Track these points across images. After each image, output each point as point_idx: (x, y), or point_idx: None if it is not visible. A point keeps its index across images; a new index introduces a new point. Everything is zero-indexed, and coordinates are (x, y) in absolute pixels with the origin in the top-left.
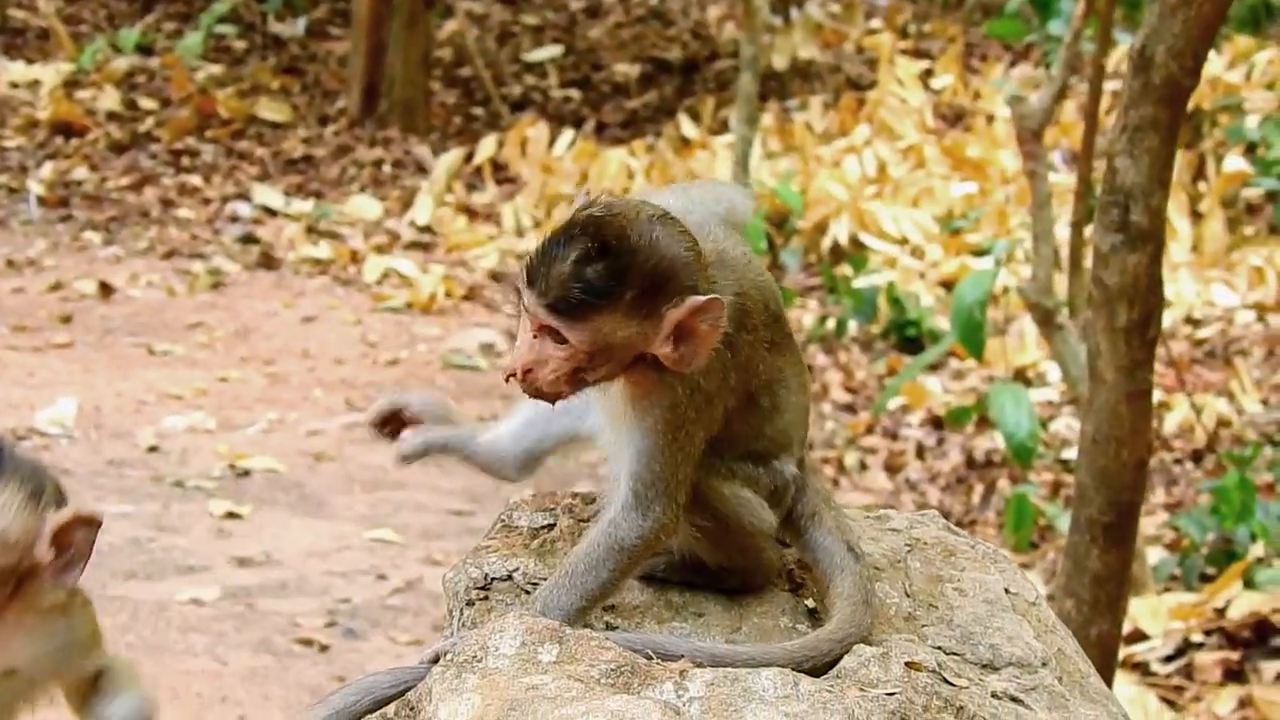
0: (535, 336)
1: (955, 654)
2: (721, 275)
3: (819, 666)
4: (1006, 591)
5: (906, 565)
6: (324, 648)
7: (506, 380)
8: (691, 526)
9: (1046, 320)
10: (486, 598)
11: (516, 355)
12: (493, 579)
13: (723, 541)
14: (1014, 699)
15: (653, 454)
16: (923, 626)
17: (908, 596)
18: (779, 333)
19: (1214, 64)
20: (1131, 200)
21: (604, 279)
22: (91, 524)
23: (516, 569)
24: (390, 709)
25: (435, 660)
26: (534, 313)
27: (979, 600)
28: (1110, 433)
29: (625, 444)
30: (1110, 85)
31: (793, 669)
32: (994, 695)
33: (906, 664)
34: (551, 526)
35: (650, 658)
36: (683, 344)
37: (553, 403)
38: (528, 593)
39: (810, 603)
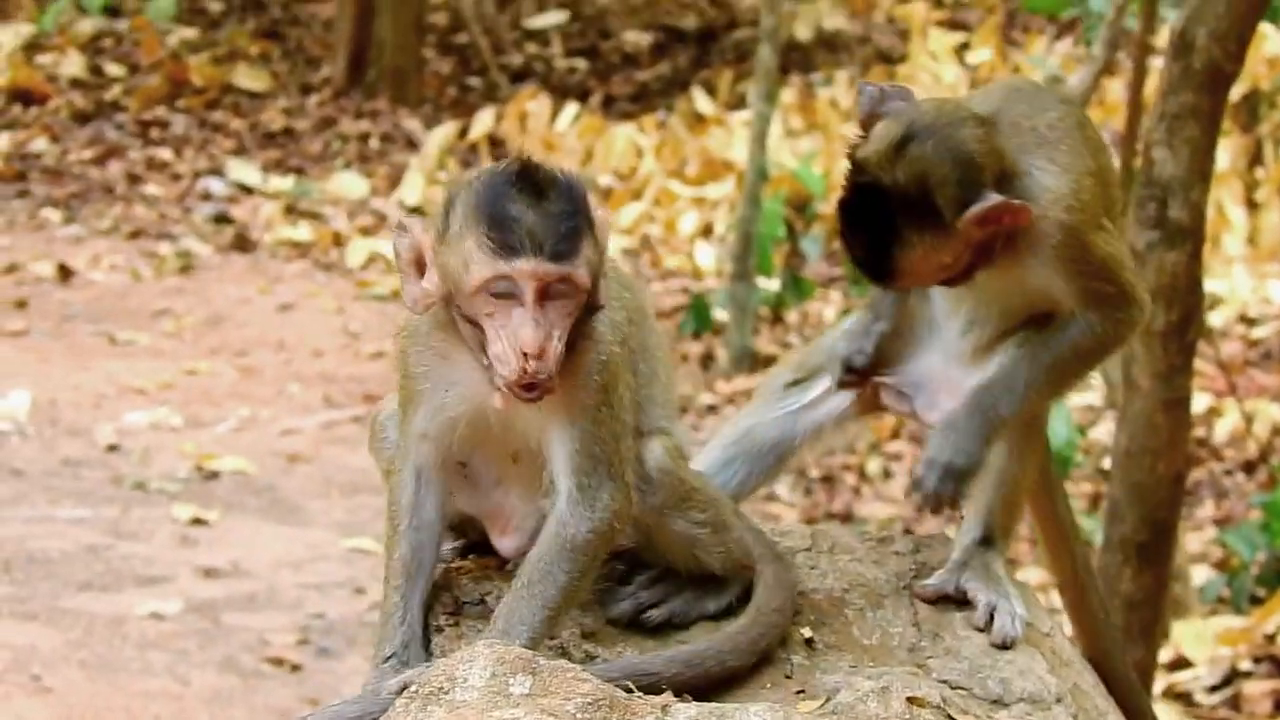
0: (538, 308)
1: (962, 689)
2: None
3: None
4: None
5: (912, 591)
6: (295, 667)
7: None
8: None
9: None
10: (457, 623)
11: (523, 341)
12: (464, 603)
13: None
14: None
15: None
16: (928, 658)
17: (913, 626)
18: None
19: (1274, 40)
20: (1170, 194)
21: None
22: None
23: (490, 593)
24: None
25: (401, 690)
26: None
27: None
28: (1145, 444)
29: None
30: (1157, 63)
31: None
32: None
33: (908, 699)
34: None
35: (630, 690)
36: None
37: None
38: None
39: (807, 631)
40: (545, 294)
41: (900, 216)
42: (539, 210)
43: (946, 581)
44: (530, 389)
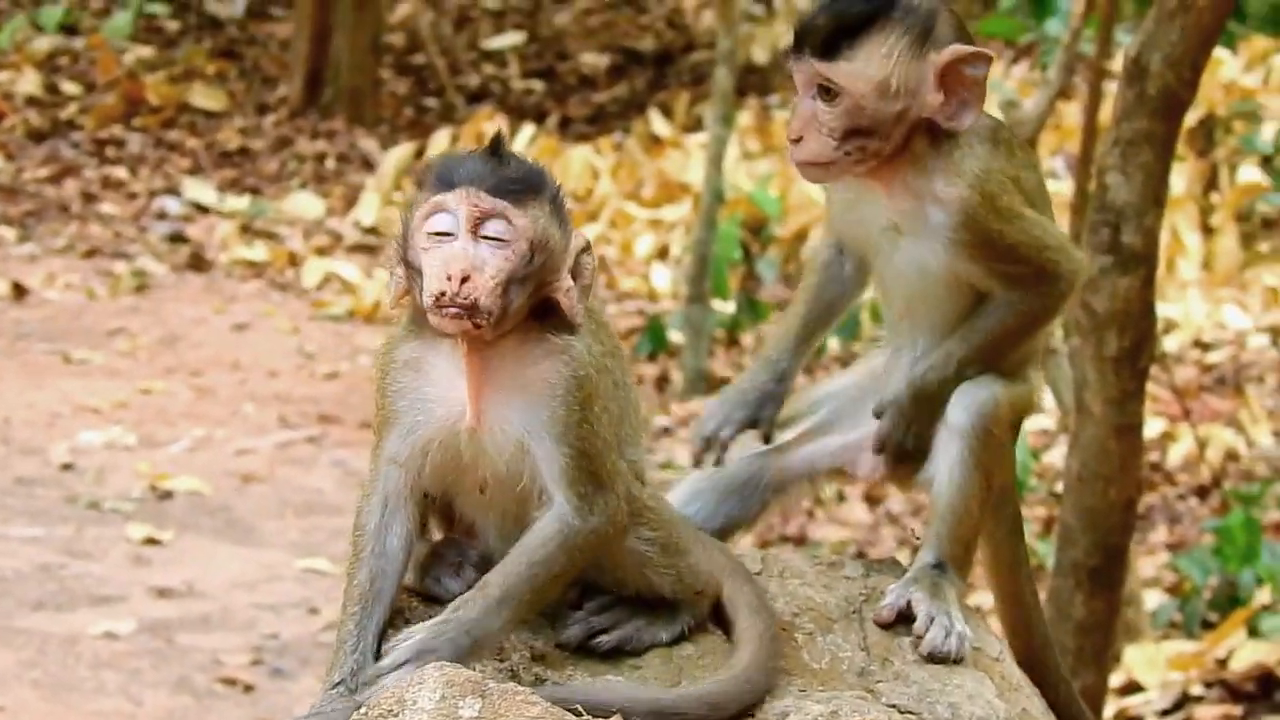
0: (470, 238)
1: (911, 713)
2: None
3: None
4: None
5: (861, 616)
6: (249, 688)
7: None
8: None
9: None
10: None
11: (447, 261)
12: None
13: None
14: None
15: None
16: (877, 683)
17: (862, 650)
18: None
19: (1229, 66)
20: (1123, 220)
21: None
22: None
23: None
24: None
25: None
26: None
27: None
28: (1098, 469)
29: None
30: (1113, 88)
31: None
32: None
33: None
34: None
35: (580, 714)
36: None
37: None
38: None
39: None
40: (479, 229)
41: (893, 13)
42: (487, 160)
43: (899, 597)
44: (456, 315)
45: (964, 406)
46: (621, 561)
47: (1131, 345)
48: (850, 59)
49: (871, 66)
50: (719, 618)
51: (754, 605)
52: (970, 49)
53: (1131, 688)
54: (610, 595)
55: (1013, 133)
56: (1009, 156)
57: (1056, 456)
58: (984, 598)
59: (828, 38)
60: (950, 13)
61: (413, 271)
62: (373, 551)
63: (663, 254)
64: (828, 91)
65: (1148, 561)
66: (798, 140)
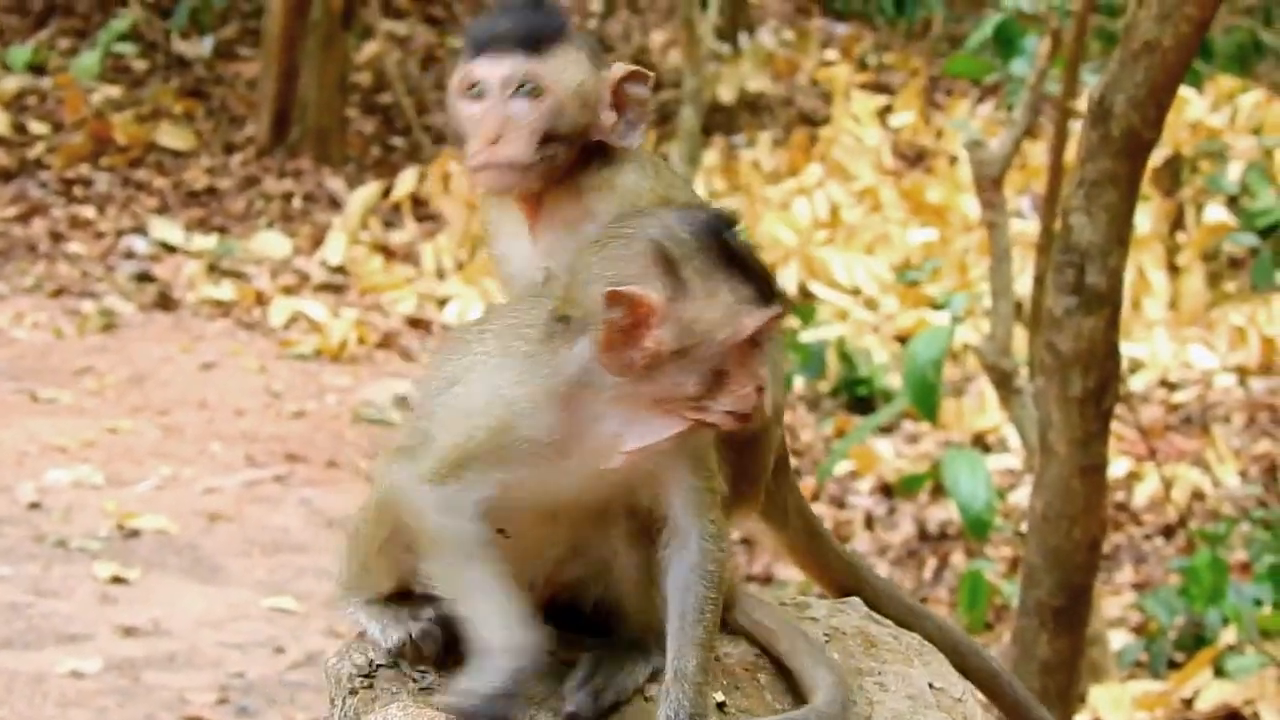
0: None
1: None
2: None
3: None
4: (931, 686)
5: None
6: None
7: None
8: None
9: (1004, 383)
10: (370, 686)
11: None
12: (378, 666)
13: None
14: None
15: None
16: None
17: None
18: None
19: (1195, 106)
20: (1088, 260)
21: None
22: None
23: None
24: None
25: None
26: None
27: (901, 696)
28: (1062, 510)
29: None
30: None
31: None
32: None
33: None
34: None
35: None
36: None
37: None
38: (415, 680)
39: (720, 695)
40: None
41: (571, 30)
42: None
43: None
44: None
45: None
46: (634, 579)
47: (1096, 386)
48: (558, 57)
49: (574, 69)
50: None
51: (817, 657)
52: (635, 67)
53: None
54: (583, 662)
55: (660, 156)
56: (657, 175)
57: (1021, 496)
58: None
59: (533, 35)
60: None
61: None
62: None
63: None
64: (533, 90)
65: (1114, 601)
66: (494, 141)
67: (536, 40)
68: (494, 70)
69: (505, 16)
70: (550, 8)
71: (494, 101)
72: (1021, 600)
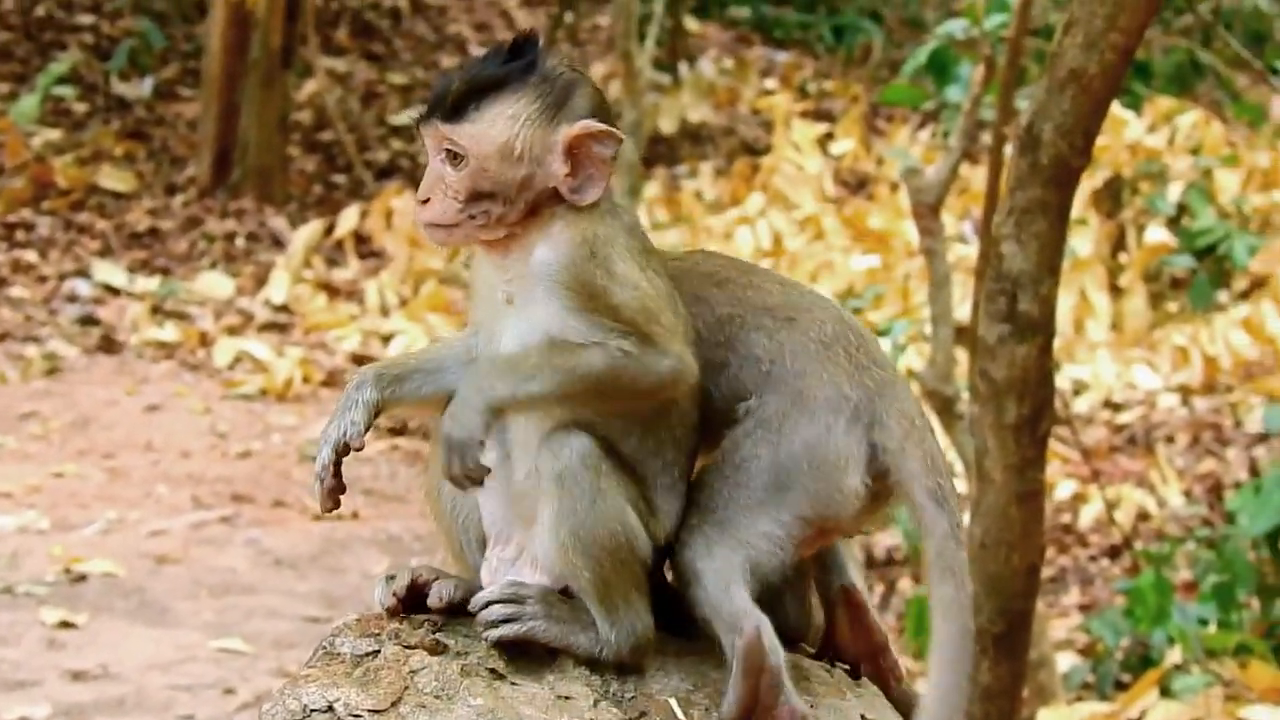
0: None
1: None
2: None
3: None
4: (863, 718)
5: (803, 671)
6: None
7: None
8: None
9: (946, 409)
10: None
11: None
12: (312, 711)
13: None
14: None
15: None
16: None
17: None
18: None
19: (1134, 127)
20: (1019, 288)
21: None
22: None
23: (338, 700)
24: None
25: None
26: (427, 137)
27: None
28: (1000, 536)
29: None
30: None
31: None
32: None
33: None
34: (376, 654)
35: None
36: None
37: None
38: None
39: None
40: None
41: (529, 78)
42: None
43: None
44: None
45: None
46: None
47: (1031, 412)
48: (475, 122)
49: (495, 129)
50: None
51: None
52: (601, 126)
53: None
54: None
55: (621, 205)
56: (614, 220)
57: (967, 521)
58: None
59: (456, 101)
60: (594, 89)
61: None
62: None
63: None
64: (454, 155)
65: (1060, 623)
66: (425, 202)
67: (457, 106)
68: (424, 135)
69: (457, 73)
70: (518, 54)
71: (431, 163)
72: None
